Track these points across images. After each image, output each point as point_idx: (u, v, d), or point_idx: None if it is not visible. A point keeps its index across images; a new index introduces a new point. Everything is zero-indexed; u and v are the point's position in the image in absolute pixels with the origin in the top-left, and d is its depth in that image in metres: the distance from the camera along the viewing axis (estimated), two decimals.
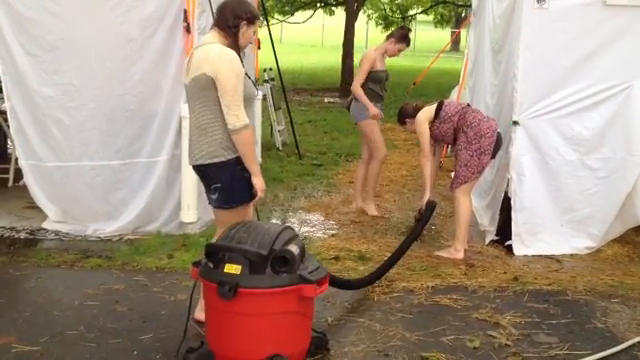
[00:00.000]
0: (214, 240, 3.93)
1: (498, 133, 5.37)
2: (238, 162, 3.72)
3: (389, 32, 7.00)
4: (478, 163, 5.32)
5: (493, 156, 5.42)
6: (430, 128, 5.55)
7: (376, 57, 6.46)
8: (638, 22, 5.39)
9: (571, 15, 5.36)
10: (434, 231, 6.14)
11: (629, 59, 5.39)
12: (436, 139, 5.65)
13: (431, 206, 5.41)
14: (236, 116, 3.62)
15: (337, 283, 4.30)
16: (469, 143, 5.33)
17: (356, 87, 6.48)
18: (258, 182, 3.76)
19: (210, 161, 3.71)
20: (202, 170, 3.80)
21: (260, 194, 3.79)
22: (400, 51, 6.54)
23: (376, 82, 6.45)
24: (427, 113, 5.60)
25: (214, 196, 3.79)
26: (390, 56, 6.58)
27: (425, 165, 5.59)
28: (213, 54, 3.65)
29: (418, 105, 5.82)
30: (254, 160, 3.76)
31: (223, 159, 3.70)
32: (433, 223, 6.30)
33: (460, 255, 5.39)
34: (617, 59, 5.39)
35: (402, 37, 6.53)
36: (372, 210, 6.64)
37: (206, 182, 3.84)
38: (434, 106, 5.60)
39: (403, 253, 4.95)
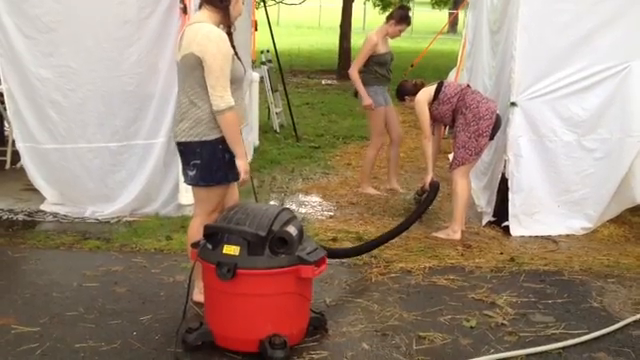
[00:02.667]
0: (193, 218, 3.97)
1: (497, 115, 5.37)
2: (221, 142, 3.72)
3: (389, 13, 6.96)
4: (476, 145, 5.33)
5: (492, 138, 5.43)
6: (429, 109, 5.55)
7: (378, 41, 6.43)
8: (635, 3, 5.37)
9: None
10: (432, 212, 6.16)
11: (627, 40, 5.38)
12: (435, 120, 5.66)
13: (435, 186, 5.43)
14: (221, 97, 3.62)
15: (334, 254, 4.36)
16: (467, 125, 5.34)
17: (352, 71, 6.51)
18: (242, 164, 3.76)
19: (193, 139, 3.72)
20: (184, 147, 3.81)
21: (244, 176, 3.79)
22: (401, 32, 6.51)
23: (382, 65, 6.46)
24: (426, 94, 5.60)
25: (192, 173, 3.80)
26: (392, 37, 6.56)
27: (426, 146, 5.60)
28: (201, 34, 3.64)
29: (417, 83, 5.83)
30: (239, 142, 3.75)
31: (207, 138, 3.70)
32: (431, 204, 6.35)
33: (457, 236, 5.42)
34: (615, 40, 5.38)
35: (402, 18, 6.49)
36: (370, 190, 6.69)
37: (185, 159, 3.84)
38: (433, 87, 5.60)
39: (405, 229, 4.99)
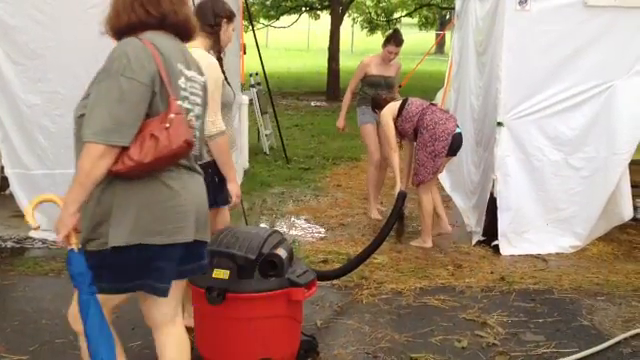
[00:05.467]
0: None
1: (457, 134, 5.51)
2: (210, 166, 3.73)
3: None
4: (433, 165, 5.51)
5: (454, 154, 5.61)
6: (395, 124, 5.71)
7: (370, 63, 6.58)
8: (619, 22, 5.45)
9: (553, 16, 5.42)
10: (415, 228, 6.19)
11: (610, 59, 5.45)
12: (400, 135, 5.81)
13: (401, 196, 5.49)
14: (212, 122, 3.64)
15: (322, 276, 4.35)
16: (425, 145, 5.52)
17: (345, 92, 6.82)
18: (233, 188, 3.78)
19: None
20: None
21: (235, 199, 3.81)
22: (391, 53, 6.50)
23: (372, 86, 6.53)
24: (391, 109, 5.79)
25: None
26: (386, 60, 6.55)
27: (393, 158, 5.76)
28: None
29: (387, 98, 6.04)
30: (230, 166, 3.77)
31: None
32: (416, 221, 6.36)
33: (428, 244, 5.69)
34: (599, 59, 5.45)
35: (386, 39, 6.63)
36: (375, 214, 6.63)
37: None
38: (399, 103, 5.77)
39: (380, 243, 4.98)
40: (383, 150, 6.71)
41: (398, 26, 26.39)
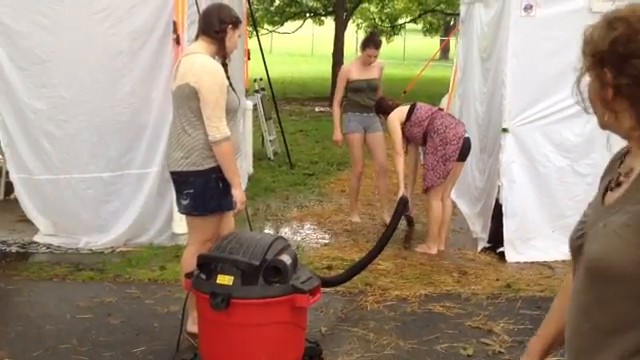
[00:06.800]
0: (187, 247, 3.96)
1: (466, 138, 5.51)
2: (214, 171, 3.73)
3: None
4: (443, 169, 5.49)
5: (463, 159, 5.59)
6: (402, 128, 5.71)
7: (350, 69, 6.52)
8: None
9: (558, 22, 5.39)
10: (423, 232, 6.17)
11: None
12: (407, 139, 5.80)
13: (403, 201, 5.48)
14: (216, 128, 3.64)
15: (325, 283, 4.32)
16: (435, 149, 5.50)
17: (333, 105, 6.74)
18: (238, 194, 3.78)
19: (186, 168, 3.73)
20: (177, 176, 3.81)
21: (239, 206, 3.80)
22: (370, 56, 6.37)
23: (355, 92, 6.45)
24: (399, 113, 5.77)
25: (185, 202, 3.81)
26: (368, 64, 6.43)
27: (398, 163, 5.75)
28: (197, 65, 3.67)
29: (393, 104, 6.00)
30: (234, 172, 3.77)
31: (200, 168, 3.71)
32: (421, 226, 6.34)
33: (433, 251, 5.65)
34: None
35: (364, 43, 6.50)
36: (356, 218, 6.68)
37: (179, 188, 3.85)
38: (407, 108, 5.75)
39: (381, 248, 4.92)
40: (373, 160, 6.67)
41: (402, 32, 26.48)
